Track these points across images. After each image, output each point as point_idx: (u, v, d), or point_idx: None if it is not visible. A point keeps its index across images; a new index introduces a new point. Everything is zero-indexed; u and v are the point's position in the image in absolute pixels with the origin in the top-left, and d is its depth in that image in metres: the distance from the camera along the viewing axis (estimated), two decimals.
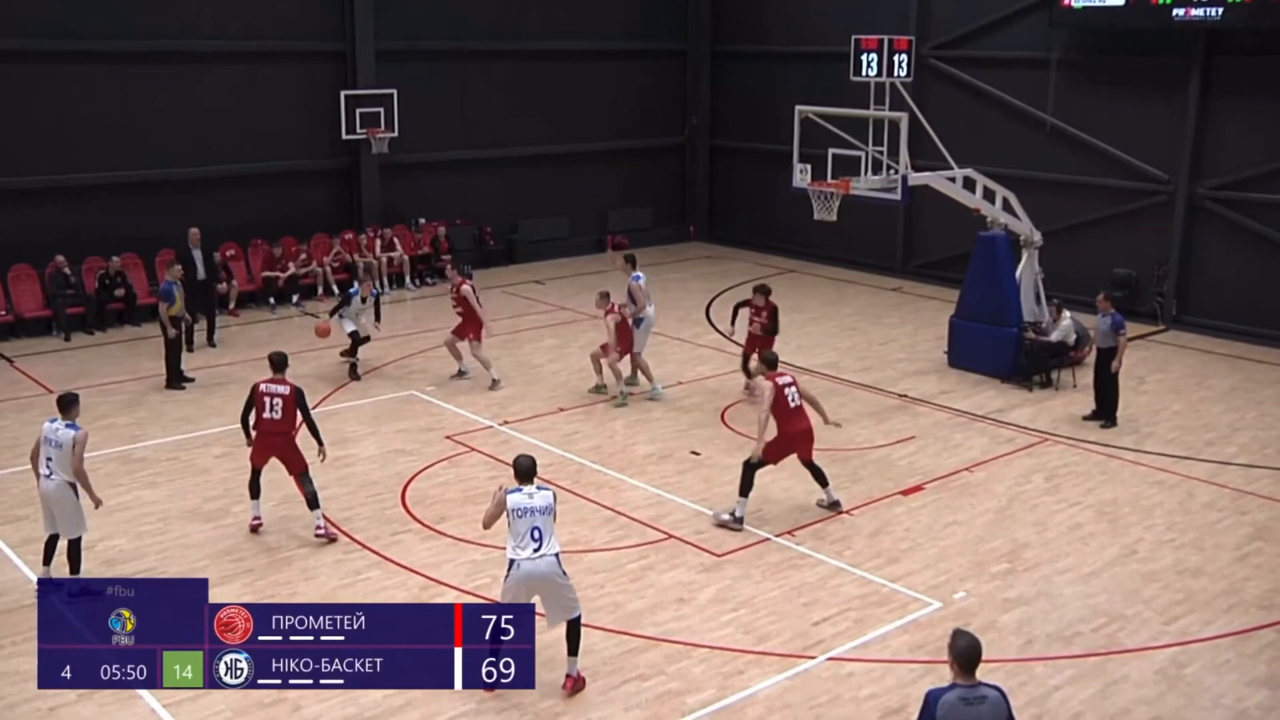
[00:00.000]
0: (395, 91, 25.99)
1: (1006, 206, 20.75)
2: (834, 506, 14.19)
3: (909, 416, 18.20)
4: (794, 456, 13.86)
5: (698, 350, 21.60)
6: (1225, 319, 23.13)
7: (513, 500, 10.31)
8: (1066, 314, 19.80)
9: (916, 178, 19.49)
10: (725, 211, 32.48)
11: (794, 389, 13.55)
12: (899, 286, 27.33)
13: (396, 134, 26.01)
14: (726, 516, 13.76)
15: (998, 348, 19.90)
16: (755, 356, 15.61)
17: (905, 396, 19.00)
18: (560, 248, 29.76)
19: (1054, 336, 19.60)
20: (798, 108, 20.10)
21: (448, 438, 16.63)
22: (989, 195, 20.60)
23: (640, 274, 18.52)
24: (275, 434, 13.07)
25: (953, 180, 20.14)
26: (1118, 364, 17.40)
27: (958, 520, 14.29)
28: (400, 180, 27.01)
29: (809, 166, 19.71)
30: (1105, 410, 17.59)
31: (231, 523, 13.83)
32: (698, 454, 16.18)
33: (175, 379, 18.63)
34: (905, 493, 15.05)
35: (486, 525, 10.62)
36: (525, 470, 10.50)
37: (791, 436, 13.61)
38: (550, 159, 29.58)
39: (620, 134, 30.86)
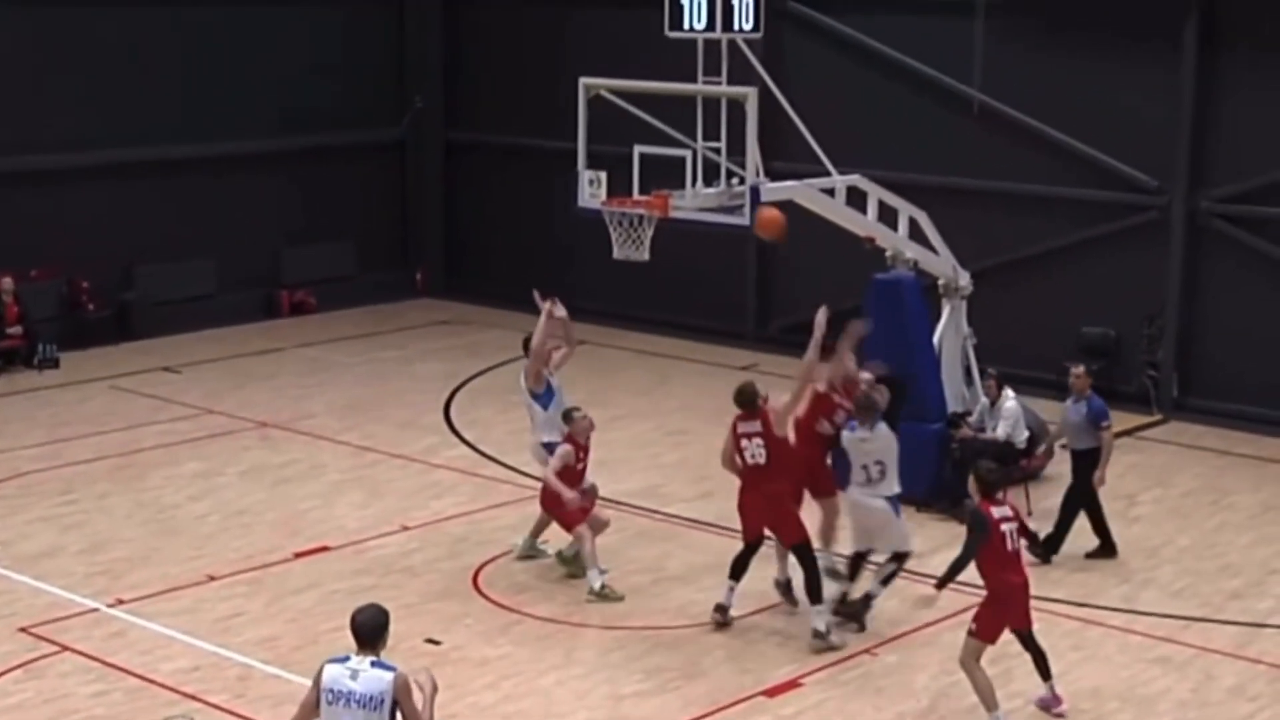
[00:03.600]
0: None
1: (916, 233, 21.17)
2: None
3: (774, 570, 18.26)
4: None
5: (433, 475, 21.52)
6: (1249, 401, 24.05)
7: (328, 676, 10.13)
8: (1009, 394, 20.23)
9: (773, 189, 19.70)
10: (472, 247, 32.45)
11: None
12: (753, 363, 27.59)
13: None
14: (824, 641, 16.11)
15: (910, 455, 20.05)
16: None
17: (768, 539, 19.05)
18: (206, 311, 29.48)
19: (999, 431, 19.99)
20: (583, 81, 20.19)
21: (22, 631, 16.29)
22: (887, 216, 20.98)
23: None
24: None
25: (830, 193, 20.48)
26: (1101, 475, 17.76)
27: None
28: None
29: (603, 175, 19.74)
30: (1102, 541, 18.23)
31: None
32: (437, 643, 16.04)
33: None
34: (771, 692, 15.08)
35: None
36: (363, 628, 10.28)
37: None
38: (185, 168, 29.32)
39: (299, 125, 30.75)
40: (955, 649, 15.97)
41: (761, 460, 16.36)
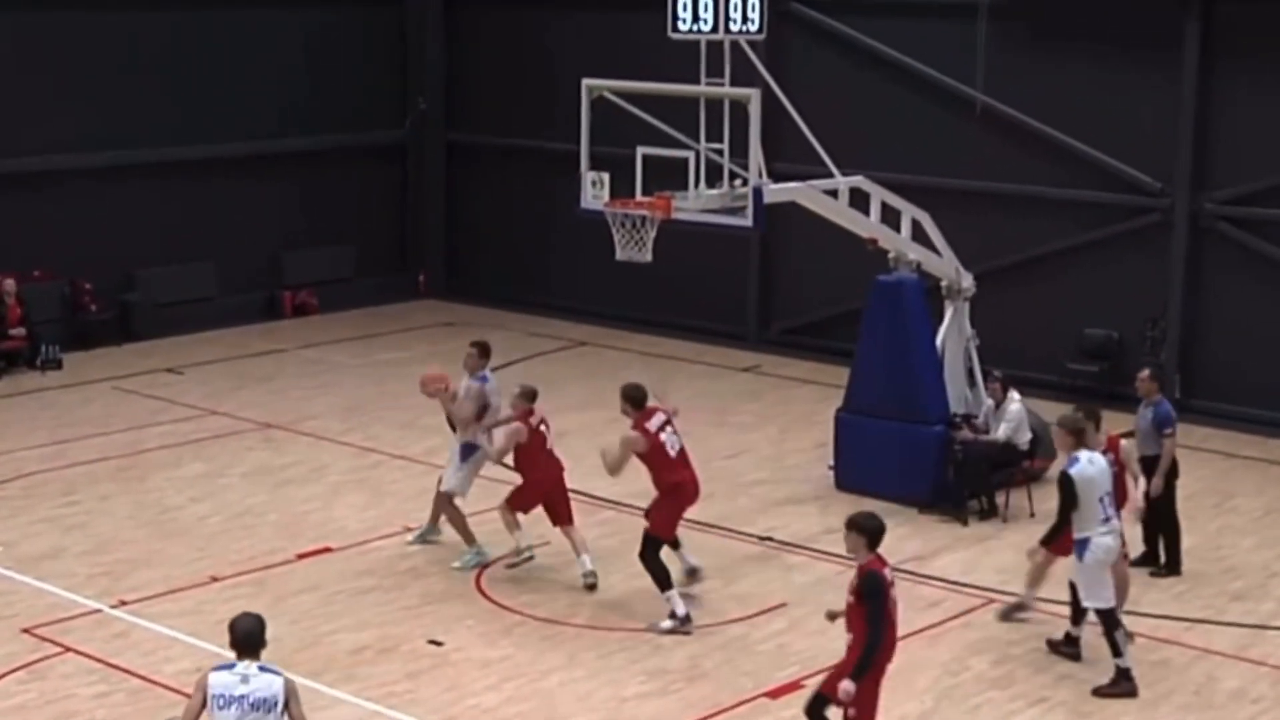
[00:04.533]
0: None
1: (918, 234, 21.21)
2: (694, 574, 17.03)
3: (776, 571, 18.28)
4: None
5: (435, 476, 21.32)
6: (1253, 403, 24.17)
7: (216, 683, 10.37)
8: (1014, 395, 20.26)
9: (776, 191, 19.77)
10: (474, 249, 32.49)
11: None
12: (755, 364, 27.63)
13: None
14: (668, 624, 16.33)
15: (912, 457, 20.21)
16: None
17: (769, 540, 19.10)
18: (208, 313, 29.57)
19: (1000, 432, 20.02)
20: (586, 82, 20.26)
21: (25, 632, 16.31)
22: (890, 217, 21.02)
23: (489, 374, 18.53)
24: None
25: (833, 194, 20.52)
26: (1156, 484, 17.36)
27: None
28: None
29: (606, 176, 19.83)
30: (1169, 554, 18.04)
31: None
32: (439, 644, 16.10)
33: None
34: (774, 693, 15.11)
35: None
36: (247, 636, 10.60)
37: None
38: (188, 170, 29.37)
39: (301, 127, 30.83)
40: (957, 650, 16.07)
41: (679, 444, 16.86)
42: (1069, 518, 15.15)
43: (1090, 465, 15.21)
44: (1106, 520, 15.14)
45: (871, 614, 12.38)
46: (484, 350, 18.71)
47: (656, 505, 16.81)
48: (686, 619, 16.48)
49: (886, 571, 12.53)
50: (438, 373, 18.59)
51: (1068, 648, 15.87)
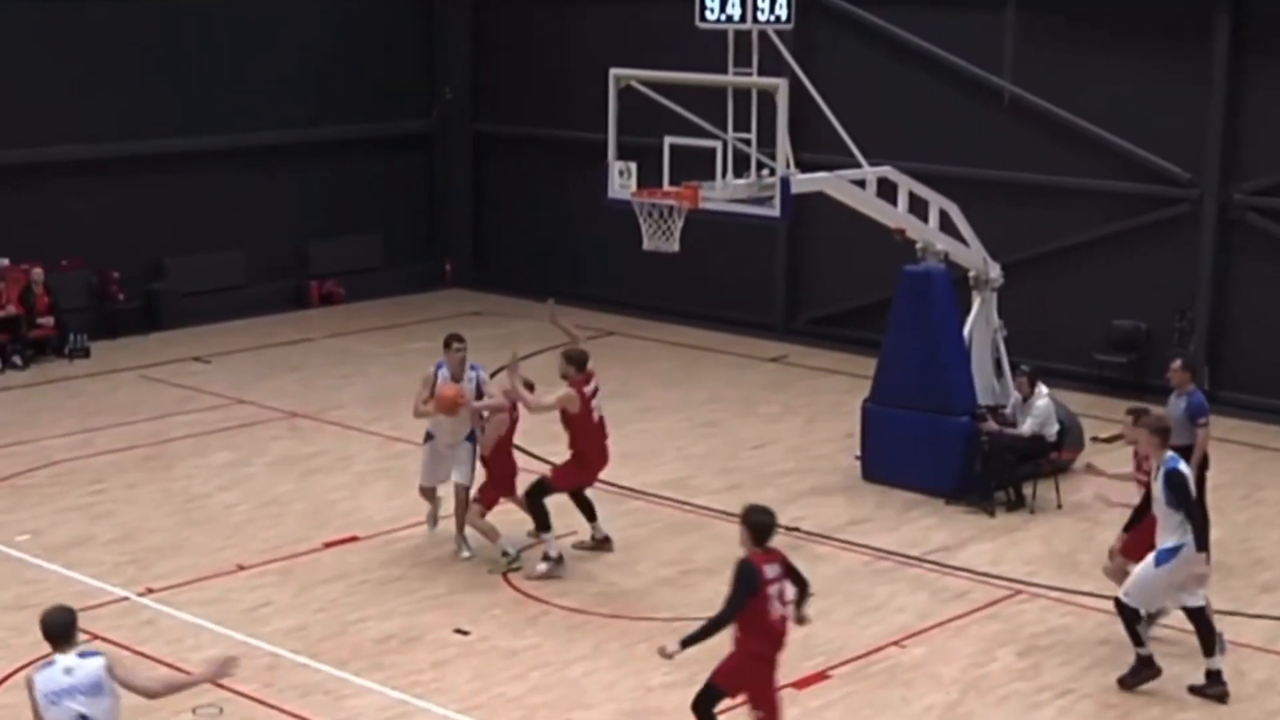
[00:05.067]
0: None
1: (946, 225, 21.18)
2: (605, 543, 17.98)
3: (803, 562, 18.11)
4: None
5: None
6: None
7: (42, 682, 10.46)
8: (1043, 390, 20.22)
9: (804, 181, 19.75)
10: (500, 239, 32.52)
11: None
12: (782, 355, 27.61)
13: None
14: (543, 566, 17.33)
15: (939, 449, 20.19)
16: None
17: (796, 531, 19.08)
18: (235, 302, 29.64)
19: (1025, 428, 19.98)
20: (613, 72, 20.26)
21: None
22: (917, 208, 21.00)
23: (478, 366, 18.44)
24: None
25: (861, 185, 20.50)
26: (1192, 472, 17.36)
27: None
28: None
29: (633, 166, 19.85)
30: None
31: None
32: (465, 633, 16.12)
33: None
34: (801, 684, 15.08)
35: None
36: (58, 628, 10.68)
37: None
38: (215, 159, 29.44)
39: (329, 116, 30.86)
40: (983, 642, 16.05)
41: (601, 414, 17.76)
42: (1195, 515, 14.53)
43: (1184, 464, 14.74)
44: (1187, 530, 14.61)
45: (728, 598, 12.34)
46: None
47: (565, 465, 17.84)
48: (559, 560, 17.54)
49: (767, 568, 12.36)
50: (454, 390, 17.92)
51: (1212, 688, 14.88)
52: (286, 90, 30.24)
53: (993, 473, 19.85)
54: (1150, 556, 14.66)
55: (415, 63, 32.28)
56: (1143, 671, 14.90)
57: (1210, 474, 18.32)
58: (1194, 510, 14.63)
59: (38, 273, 26.78)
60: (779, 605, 12.48)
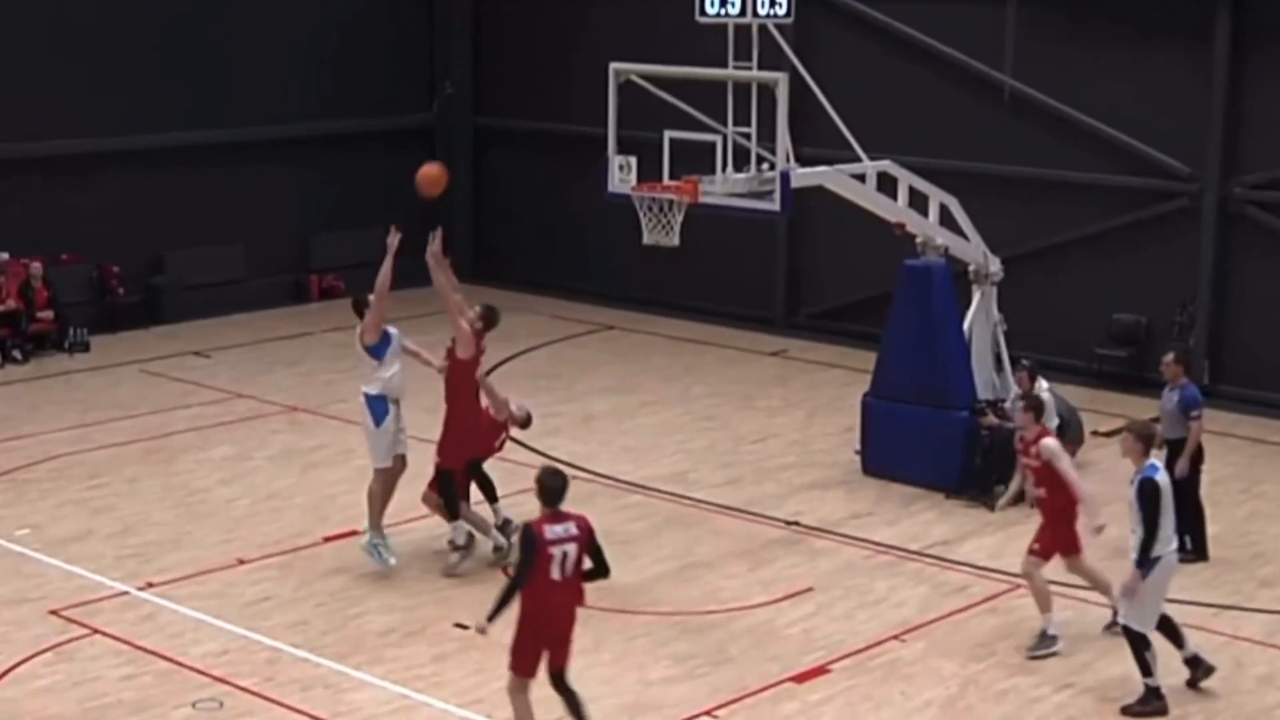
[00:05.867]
0: None
1: (946, 219, 21.18)
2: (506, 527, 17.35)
3: (802, 556, 18.28)
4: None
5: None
6: None
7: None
8: (1043, 384, 20.21)
9: (804, 175, 19.75)
10: (500, 233, 32.50)
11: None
12: (782, 349, 27.62)
13: None
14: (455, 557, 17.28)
15: (940, 442, 20.20)
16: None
17: (796, 525, 19.13)
18: (235, 296, 29.63)
19: None
20: (614, 66, 20.26)
21: (53, 614, 16.38)
22: (917, 202, 21.00)
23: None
24: None
25: (861, 179, 20.50)
26: (1182, 466, 17.36)
27: None
28: None
29: (633, 160, 19.84)
30: (1195, 539, 17.84)
31: None
32: (465, 627, 16.05)
33: None
34: (800, 678, 15.13)
35: None
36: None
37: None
38: (215, 153, 29.42)
39: (329, 110, 30.84)
40: (984, 635, 16.06)
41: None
42: (1156, 531, 14.31)
43: (1163, 475, 14.64)
44: (1171, 537, 14.53)
45: (516, 565, 12.95)
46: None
47: (447, 440, 17.63)
48: (469, 544, 17.40)
49: (547, 530, 12.63)
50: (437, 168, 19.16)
51: (1201, 673, 14.90)
52: (287, 84, 30.20)
53: (993, 466, 19.85)
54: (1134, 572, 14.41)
55: (416, 57, 32.23)
56: (1152, 702, 14.57)
57: (1209, 468, 18.37)
58: (1154, 525, 14.28)
59: (37, 267, 26.74)
60: (558, 570, 12.72)
